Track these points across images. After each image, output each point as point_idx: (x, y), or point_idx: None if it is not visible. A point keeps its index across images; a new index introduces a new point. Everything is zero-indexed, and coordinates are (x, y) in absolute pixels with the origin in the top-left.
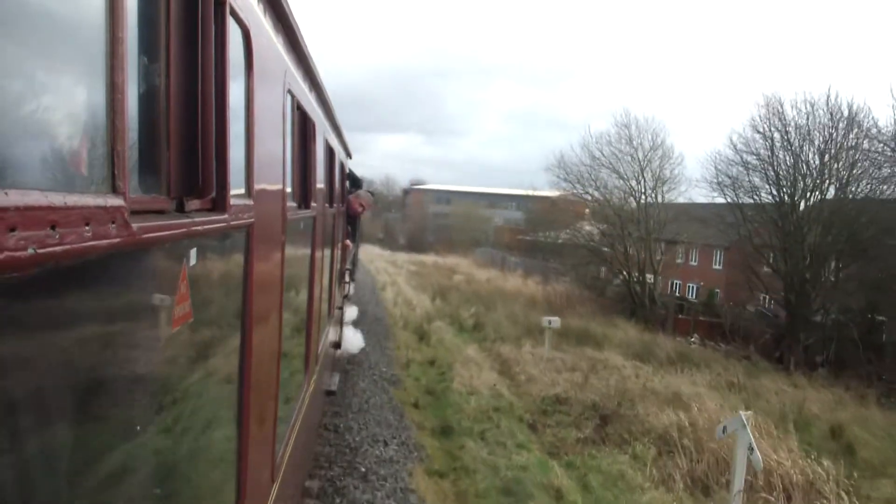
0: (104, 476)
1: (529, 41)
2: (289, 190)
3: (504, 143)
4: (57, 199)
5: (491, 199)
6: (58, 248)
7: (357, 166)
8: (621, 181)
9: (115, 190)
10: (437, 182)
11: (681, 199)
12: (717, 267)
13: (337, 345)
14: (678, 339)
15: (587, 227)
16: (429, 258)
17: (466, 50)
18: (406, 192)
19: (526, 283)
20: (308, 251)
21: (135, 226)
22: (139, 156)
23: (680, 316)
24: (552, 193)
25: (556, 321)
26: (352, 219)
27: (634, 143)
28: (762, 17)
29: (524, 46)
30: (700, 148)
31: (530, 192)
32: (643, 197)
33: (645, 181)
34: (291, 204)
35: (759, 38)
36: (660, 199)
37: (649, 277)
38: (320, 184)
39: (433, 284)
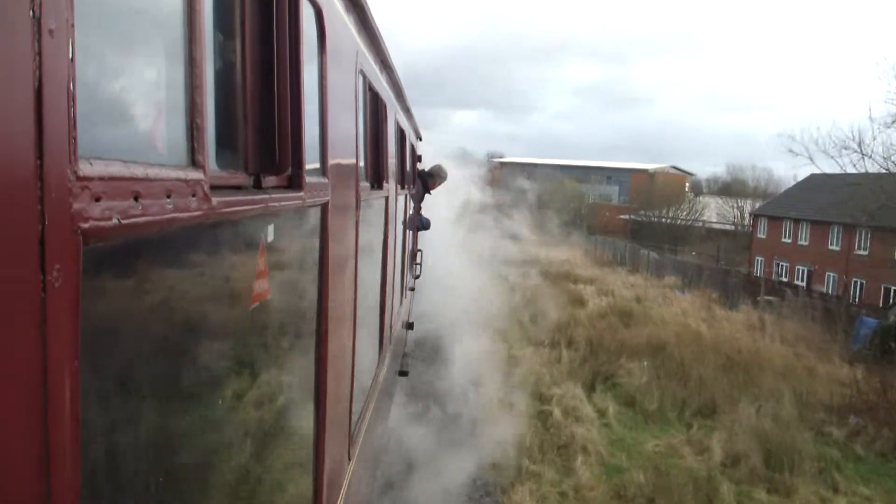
0: (185, 449)
1: (599, 19)
2: (362, 170)
3: (574, 119)
4: (139, 170)
5: (578, 172)
6: (140, 219)
7: (429, 143)
8: None
9: (194, 163)
10: (513, 156)
11: None
12: None
13: (409, 325)
14: None
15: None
16: (523, 249)
17: (535, 28)
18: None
19: (711, 310)
20: (381, 232)
21: (214, 200)
22: (217, 131)
23: None
24: (650, 166)
25: None
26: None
27: None
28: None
29: (593, 24)
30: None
31: (626, 165)
32: None
33: None
34: (364, 184)
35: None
36: None
37: None
38: (392, 165)
39: (573, 335)
